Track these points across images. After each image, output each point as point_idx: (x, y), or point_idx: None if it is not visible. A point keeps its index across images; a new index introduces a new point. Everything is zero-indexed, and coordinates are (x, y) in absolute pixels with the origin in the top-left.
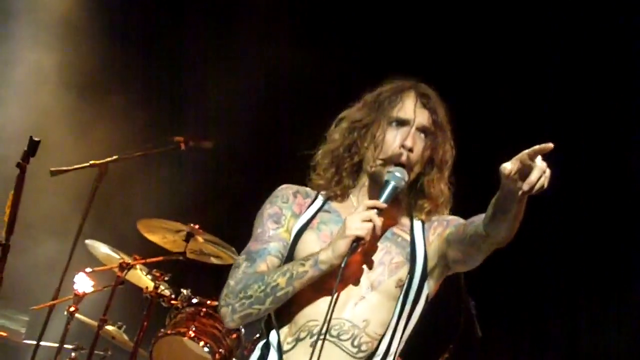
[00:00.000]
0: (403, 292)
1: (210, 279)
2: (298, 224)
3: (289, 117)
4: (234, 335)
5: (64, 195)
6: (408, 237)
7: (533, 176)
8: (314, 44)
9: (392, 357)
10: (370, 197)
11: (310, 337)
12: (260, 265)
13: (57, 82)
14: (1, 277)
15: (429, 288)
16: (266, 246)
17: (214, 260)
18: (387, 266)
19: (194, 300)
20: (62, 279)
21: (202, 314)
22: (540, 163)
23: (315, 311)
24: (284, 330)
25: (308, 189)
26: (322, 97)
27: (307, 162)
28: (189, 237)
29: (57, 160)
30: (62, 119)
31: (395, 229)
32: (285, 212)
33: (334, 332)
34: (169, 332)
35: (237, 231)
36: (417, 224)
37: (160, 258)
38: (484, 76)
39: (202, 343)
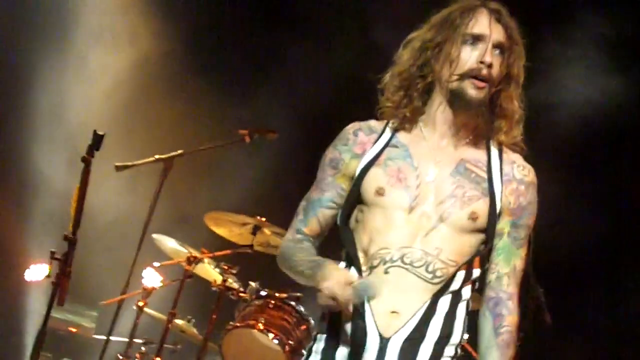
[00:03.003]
0: (486, 224)
1: (278, 271)
2: (363, 161)
3: (355, 107)
4: (304, 327)
5: (130, 189)
6: (484, 175)
7: None
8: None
9: (470, 285)
10: (454, 114)
11: (384, 264)
12: (311, 221)
13: (125, 77)
14: (69, 271)
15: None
16: (321, 196)
17: None
18: (459, 199)
19: (263, 293)
20: (130, 274)
21: (270, 306)
22: None
23: (386, 240)
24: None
25: (373, 123)
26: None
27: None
28: (256, 229)
29: (123, 154)
30: (128, 114)
31: (468, 165)
32: (344, 156)
33: (406, 260)
34: (238, 324)
35: None
36: (495, 161)
37: (228, 251)
38: None
39: (271, 335)
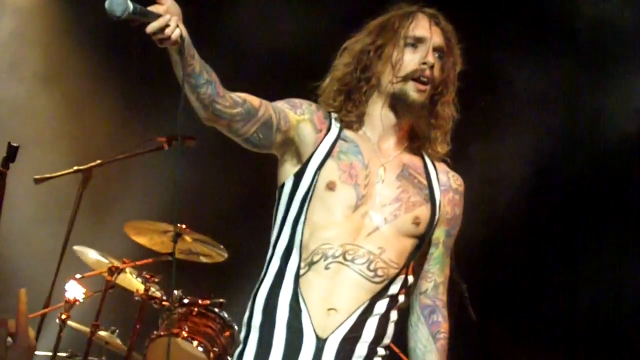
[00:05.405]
0: (425, 230)
1: (201, 279)
2: (319, 152)
3: None
4: (228, 333)
5: (48, 201)
6: (424, 182)
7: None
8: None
9: (404, 293)
10: (396, 116)
11: (325, 260)
12: (240, 94)
13: (38, 86)
14: None
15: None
16: (262, 100)
17: (203, 259)
18: (404, 203)
19: (186, 301)
20: (53, 287)
21: (194, 313)
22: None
23: (329, 236)
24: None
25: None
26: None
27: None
28: (177, 237)
29: (40, 165)
30: (43, 124)
31: (411, 170)
32: (305, 110)
33: (348, 257)
34: (162, 333)
35: (226, 229)
36: (431, 169)
37: (150, 260)
38: None
39: (195, 343)
